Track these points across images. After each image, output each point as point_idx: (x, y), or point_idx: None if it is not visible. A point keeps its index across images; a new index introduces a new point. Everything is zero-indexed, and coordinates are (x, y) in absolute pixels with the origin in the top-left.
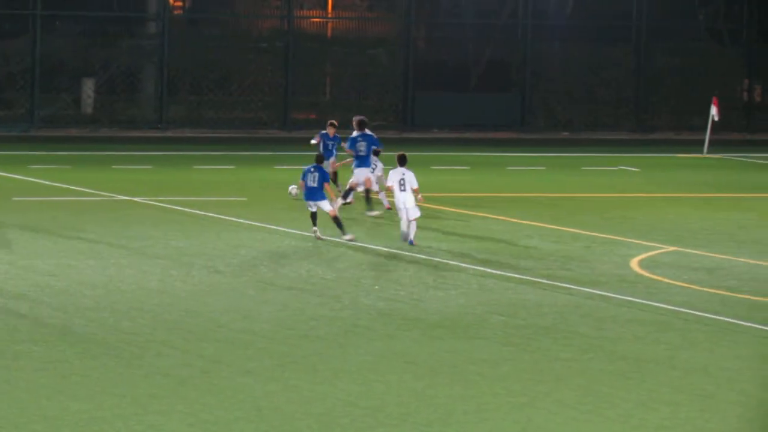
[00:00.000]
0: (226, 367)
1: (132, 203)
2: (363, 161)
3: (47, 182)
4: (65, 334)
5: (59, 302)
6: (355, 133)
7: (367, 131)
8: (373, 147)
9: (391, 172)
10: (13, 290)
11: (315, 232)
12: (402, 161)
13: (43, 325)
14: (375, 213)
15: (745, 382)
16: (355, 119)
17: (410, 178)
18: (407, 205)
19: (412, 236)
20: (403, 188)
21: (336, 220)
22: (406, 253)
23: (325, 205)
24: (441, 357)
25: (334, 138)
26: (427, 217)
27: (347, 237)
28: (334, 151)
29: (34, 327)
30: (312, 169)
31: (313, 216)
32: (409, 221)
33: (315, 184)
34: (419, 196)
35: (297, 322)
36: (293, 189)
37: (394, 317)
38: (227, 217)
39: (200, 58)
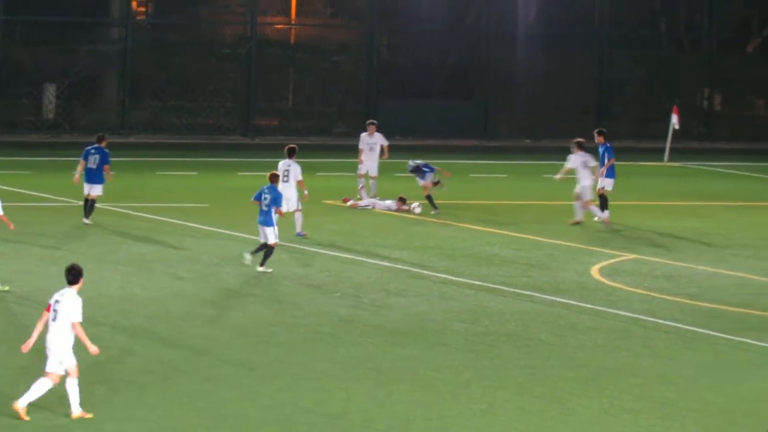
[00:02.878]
0: (187, 373)
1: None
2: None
3: (7, 188)
4: (24, 341)
5: (19, 309)
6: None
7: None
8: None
9: (280, 163)
10: None
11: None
12: (291, 153)
13: (2, 332)
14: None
15: (705, 390)
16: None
17: (295, 170)
18: (288, 196)
19: (299, 228)
20: (286, 179)
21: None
22: (368, 260)
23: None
24: (403, 364)
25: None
26: (389, 224)
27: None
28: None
29: None
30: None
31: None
32: (296, 211)
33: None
34: (305, 191)
35: (258, 329)
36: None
37: (356, 324)
38: (189, 224)
39: (163, 63)
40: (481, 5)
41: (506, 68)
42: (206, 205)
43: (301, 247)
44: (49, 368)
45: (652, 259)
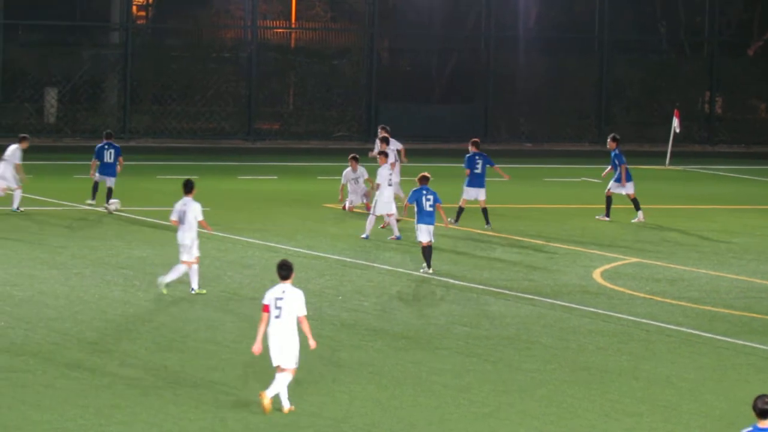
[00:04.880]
0: (190, 377)
1: (94, 213)
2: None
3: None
4: (27, 344)
5: (21, 312)
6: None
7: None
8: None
9: (382, 170)
10: None
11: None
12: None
13: (5, 335)
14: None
15: (707, 393)
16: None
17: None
18: (391, 200)
19: (396, 232)
20: (390, 184)
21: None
22: (369, 264)
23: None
24: (405, 368)
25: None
26: (388, 229)
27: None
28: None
29: None
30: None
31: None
32: (392, 216)
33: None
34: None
35: None
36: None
37: (358, 328)
38: None
39: (164, 68)
40: (482, 9)
41: (506, 72)
42: (208, 208)
43: (302, 251)
44: (284, 364)
45: (654, 262)
